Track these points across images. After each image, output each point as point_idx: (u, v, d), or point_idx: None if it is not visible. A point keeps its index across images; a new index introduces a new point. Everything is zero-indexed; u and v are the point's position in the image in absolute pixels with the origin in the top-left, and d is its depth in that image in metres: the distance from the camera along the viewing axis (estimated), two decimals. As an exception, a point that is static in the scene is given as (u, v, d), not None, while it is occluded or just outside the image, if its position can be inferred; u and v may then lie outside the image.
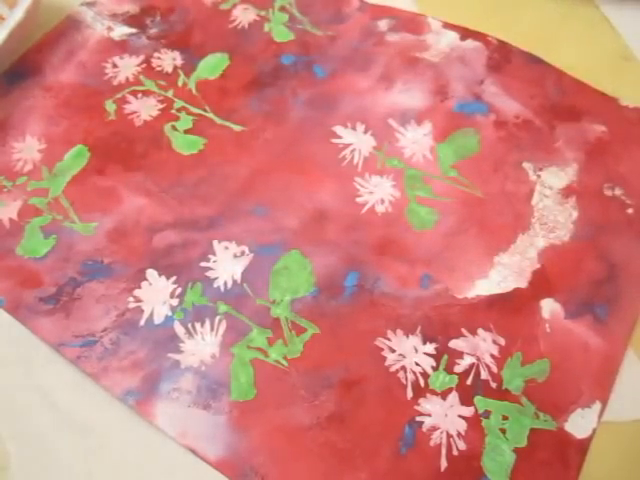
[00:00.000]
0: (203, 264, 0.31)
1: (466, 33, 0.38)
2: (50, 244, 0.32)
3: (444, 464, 0.26)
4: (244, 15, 0.40)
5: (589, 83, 0.36)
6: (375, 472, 0.26)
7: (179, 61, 0.38)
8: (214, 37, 0.39)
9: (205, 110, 0.36)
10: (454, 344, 0.29)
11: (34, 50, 0.39)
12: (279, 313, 0.30)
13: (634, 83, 0.36)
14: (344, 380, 0.28)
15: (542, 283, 0.30)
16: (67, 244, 0.32)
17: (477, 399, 0.28)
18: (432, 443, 0.27)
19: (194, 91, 0.37)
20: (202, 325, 0.30)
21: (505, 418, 0.27)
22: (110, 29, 0.40)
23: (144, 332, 0.29)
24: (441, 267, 0.31)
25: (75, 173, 0.34)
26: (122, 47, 0.39)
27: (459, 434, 0.27)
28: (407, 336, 0.29)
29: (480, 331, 0.29)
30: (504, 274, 0.31)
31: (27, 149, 0.35)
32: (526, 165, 0.33)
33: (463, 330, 0.29)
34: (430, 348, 0.29)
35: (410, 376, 0.28)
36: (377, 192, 0.33)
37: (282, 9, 0.40)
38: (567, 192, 0.32)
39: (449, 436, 0.27)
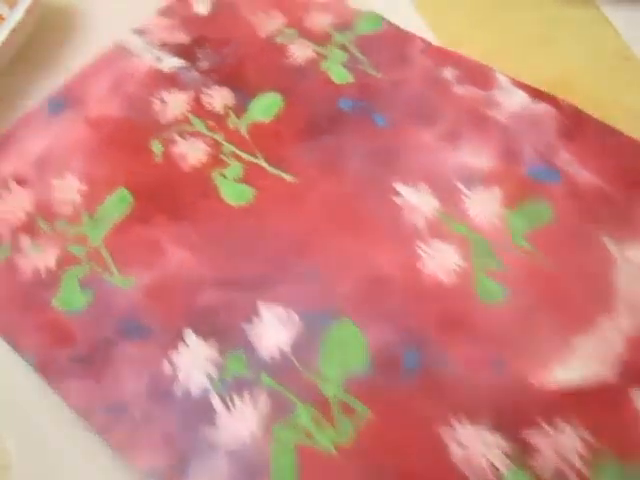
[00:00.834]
0: (247, 328, 0.29)
1: (537, 94, 0.35)
2: (87, 298, 0.30)
3: None
4: (300, 51, 0.37)
5: (589, 83, 0.35)
6: None
7: (230, 99, 0.36)
8: (267, 74, 0.37)
9: (256, 157, 0.34)
10: (530, 438, 0.26)
11: (79, 78, 0.37)
12: (329, 391, 0.27)
13: (634, 83, 0.36)
14: (401, 474, 0.26)
15: (631, 371, 0.27)
16: (104, 299, 0.30)
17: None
18: None
19: (245, 135, 0.35)
20: (242, 399, 0.27)
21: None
22: (159, 60, 0.38)
23: (178, 403, 0.27)
24: (513, 349, 0.28)
25: (117, 220, 0.32)
26: (171, 80, 0.37)
27: None
28: (475, 426, 0.26)
29: (560, 424, 0.26)
30: (584, 360, 0.28)
31: (67, 188, 0.33)
32: (605, 239, 0.30)
33: (540, 422, 0.26)
34: (502, 441, 0.26)
35: (479, 472, 0.25)
36: (441, 259, 0.30)
37: (341, 47, 0.38)
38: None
39: None
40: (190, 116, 0.35)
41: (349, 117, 0.35)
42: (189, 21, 0.39)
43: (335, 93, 0.36)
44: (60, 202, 0.33)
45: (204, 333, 0.29)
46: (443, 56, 0.37)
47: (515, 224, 0.31)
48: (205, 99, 0.36)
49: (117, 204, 0.33)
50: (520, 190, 0.32)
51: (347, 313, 0.29)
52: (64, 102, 0.36)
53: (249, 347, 0.28)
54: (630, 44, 0.38)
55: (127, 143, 0.35)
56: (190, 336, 0.29)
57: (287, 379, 0.28)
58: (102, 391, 0.27)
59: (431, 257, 0.30)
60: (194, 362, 0.28)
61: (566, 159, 0.33)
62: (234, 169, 0.33)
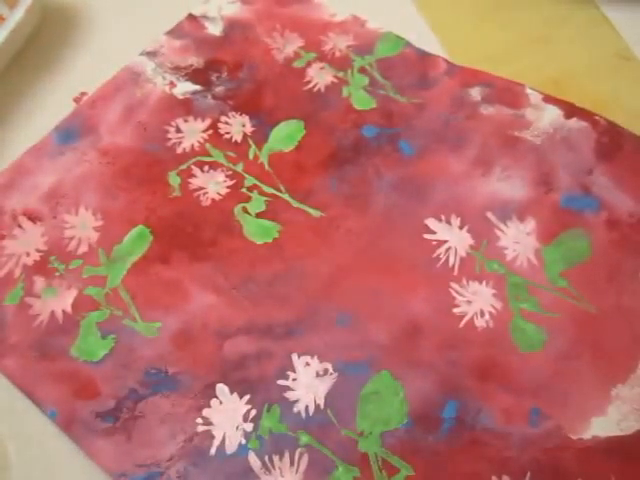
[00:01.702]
0: (281, 382, 0.28)
1: (571, 110, 0.34)
2: (108, 345, 0.29)
3: None
4: (319, 76, 0.36)
5: (589, 83, 0.35)
6: None
7: (249, 128, 0.34)
8: (287, 100, 0.35)
9: (279, 190, 0.32)
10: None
11: (88, 104, 0.36)
12: (368, 448, 0.26)
13: (634, 83, 0.35)
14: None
15: None
16: (127, 347, 0.29)
17: None
18: None
19: (266, 166, 0.33)
20: (281, 458, 0.26)
21: None
22: (172, 85, 0.36)
23: (215, 463, 0.26)
24: (552, 399, 0.27)
25: (135, 259, 0.31)
26: (186, 107, 0.35)
27: None
28: (515, 485, 0.25)
29: None
30: (623, 411, 0.27)
31: (81, 225, 0.32)
32: (648, 276, 0.29)
33: (578, 478, 0.25)
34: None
35: None
36: (476, 302, 0.29)
37: (362, 71, 0.36)
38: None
39: None
40: (208, 146, 0.34)
41: (373, 145, 0.34)
42: (201, 42, 0.38)
43: (358, 119, 0.35)
44: (75, 239, 0.31)
45: (237, 387, 0.28)
46: (469, 76, 0.35)
47: (552, 261, 0.30)
48: (223, 128, 0.35)
49: (135, 242, 0.31)
50: (556, 222, 0.31)
51: (384, 364, 0.28)
52: (73, 131, 0.35)
53: (285, 403, 0.27)
54: (630, 44, 0.37)
55: (143, 176, 0.33)
56: (223, 390, 0.27)
57: (325, 436, 0.26)
58: (134, 451, 0.26)
59: (466, 300, 0.29)
60: (229, 419, 0.27)
61: (603, 183, 0.32)
62: (257, 203, 0.32)
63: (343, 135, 0.34)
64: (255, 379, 0.28)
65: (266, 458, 0.26)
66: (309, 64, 0.37)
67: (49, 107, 0.37)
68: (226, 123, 0.35)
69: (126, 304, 0.30)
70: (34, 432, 0.28)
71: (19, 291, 0.30)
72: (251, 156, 0.33)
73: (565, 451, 0.26)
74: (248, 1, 0.39)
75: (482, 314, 0.29)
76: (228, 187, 0.33)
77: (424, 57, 0.36)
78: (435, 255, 0.30)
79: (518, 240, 0.30)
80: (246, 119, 0.35)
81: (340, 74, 0.36)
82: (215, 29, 0.38)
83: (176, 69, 0.37)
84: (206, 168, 0.33)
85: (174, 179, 0.33)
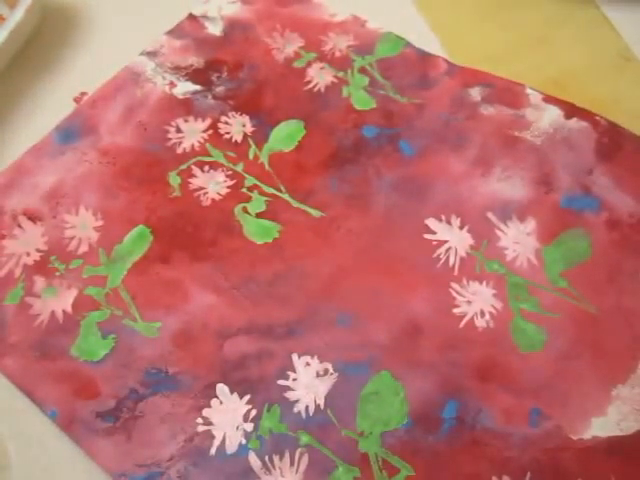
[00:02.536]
0: (281, 382, 0.27)
1: (571, 110, 0.34)
2: (109, 345, 0.29)
3: None
4: (320, 76, 0.36)
5: (589, 83, 0.35)
6: None
7: (249, 127, 0.34)
8: (287, 100, 0.35)
9: (280, 190, 0.32)
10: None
11: (89, 104, 0.36)
12: (368, 448, 0.26)
13: (634, 83, 0.35)
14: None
15: None
16: (127, 346, 0.29)
17: None
18: None
19: (266, 166, 0.33)
20: (281, 458, 0.26)
21: None
22: (172, 85, 0.36)
23: (215, 463, 0.26)
24: (552, 400, 0.27)
25: (136, 259, 0.31)
26: (186, 107, 0.35)
27: None
28: (516, 484, 0.25)
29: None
30: (623, 411, 0.27)
31: (81, 225, 0.32)
32: (649, 275, 0.29)
33: (578, 478, 0.25)
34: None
35: None
36: (476, 302, 0.29)
37: (362, 71, 0.36)
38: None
39: None
40: (208, 146, 0.34)
41: (374, 145, 0.34)
42: (202, 42, 0.38)
43: (358, 120, 0.35)
44: (75, 239, 0.31)
45: (237, 387, 0.27)
46: (469, 76, 0.35)
47: (552, 261, 0.30)
48: (223, 128, 0.35)
49: (136, 242, 0.31)
50: (556, 222, 0.31)
51: (384, 364, 0.28)
52: (74, 131, 0.35)
53: (285, 402, 0.27)
54: (630, 44, 0.37)
55: (143, 176, 0.33)
56: (223, 390, 0.27)
57: (325, 436, 0.26)
58: (134, 451, 0.26)
59: (466, 300, 0.29)
60: (229, 419, 0.27)
61: (603, 184, 0.31)
62: (257, 203, 0.32)
63: (343, 135, 0.34)
64: (255, 379, 0.28)
65: (266, 458, 0.26)
66: (309, 64, 0.37)
67: (49, 107, 0.37)
68: (226, 123, 0.35)
69: (126, 304, 0.30)
70: (34, 432, 0.27)
71: (19, 291, 0.30)
72: (251, 156, 0.33)
73: (565, 451, 0.26)
74: (248, 1, 0.39)
75: (482, 314, 0.29)
76: (228, 187, 0.33)
77: (424, 57, 0.36)
78: (435, 255, 0.30)
79: (518, 240, 0.30)
80: (246, 119, 0.35)
81: (340, 74, 0.36)
82: (215, 29, 0.38)
83: (176, 69, 0.37)
84: (206, 168, 0.33)
85: (174, 179, 0.33)
